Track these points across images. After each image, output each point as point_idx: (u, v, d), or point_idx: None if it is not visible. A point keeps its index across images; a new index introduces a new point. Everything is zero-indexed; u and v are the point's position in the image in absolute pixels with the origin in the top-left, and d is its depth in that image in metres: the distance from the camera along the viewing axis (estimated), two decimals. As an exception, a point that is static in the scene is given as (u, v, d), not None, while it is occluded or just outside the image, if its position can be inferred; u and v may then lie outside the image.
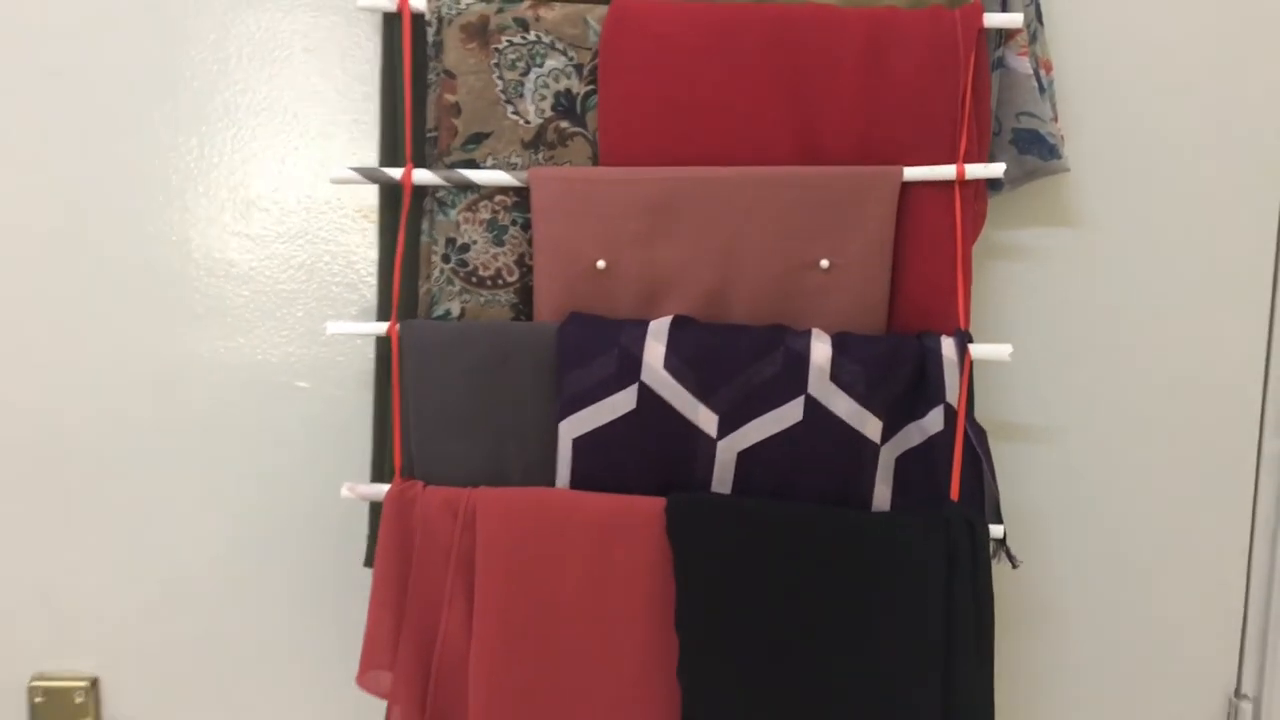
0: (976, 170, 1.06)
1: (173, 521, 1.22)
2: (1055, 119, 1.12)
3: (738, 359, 1.05)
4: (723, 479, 1.06)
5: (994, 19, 1.06)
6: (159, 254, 1.19)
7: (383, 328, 1.08)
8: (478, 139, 1.09)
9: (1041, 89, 1.11)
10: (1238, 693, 1.24)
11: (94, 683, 1.23)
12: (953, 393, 1.05)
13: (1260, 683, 1.23)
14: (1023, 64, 1.10)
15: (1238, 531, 1.23)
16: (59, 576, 1.23)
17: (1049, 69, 1.13)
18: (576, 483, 1.07)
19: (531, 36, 1.08)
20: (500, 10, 1.08)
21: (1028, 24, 1.10)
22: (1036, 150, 1.12)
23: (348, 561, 1.20)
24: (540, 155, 1.09)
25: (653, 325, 1.06)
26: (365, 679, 1.08)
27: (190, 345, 1.20)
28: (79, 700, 1.22)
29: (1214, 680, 1.24)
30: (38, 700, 1.22)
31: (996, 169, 1.07)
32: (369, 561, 1.14)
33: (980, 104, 1.08)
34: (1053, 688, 1.25)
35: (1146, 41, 1.17)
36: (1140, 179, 1.19)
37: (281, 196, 1.19)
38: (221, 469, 1.21)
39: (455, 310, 1.10)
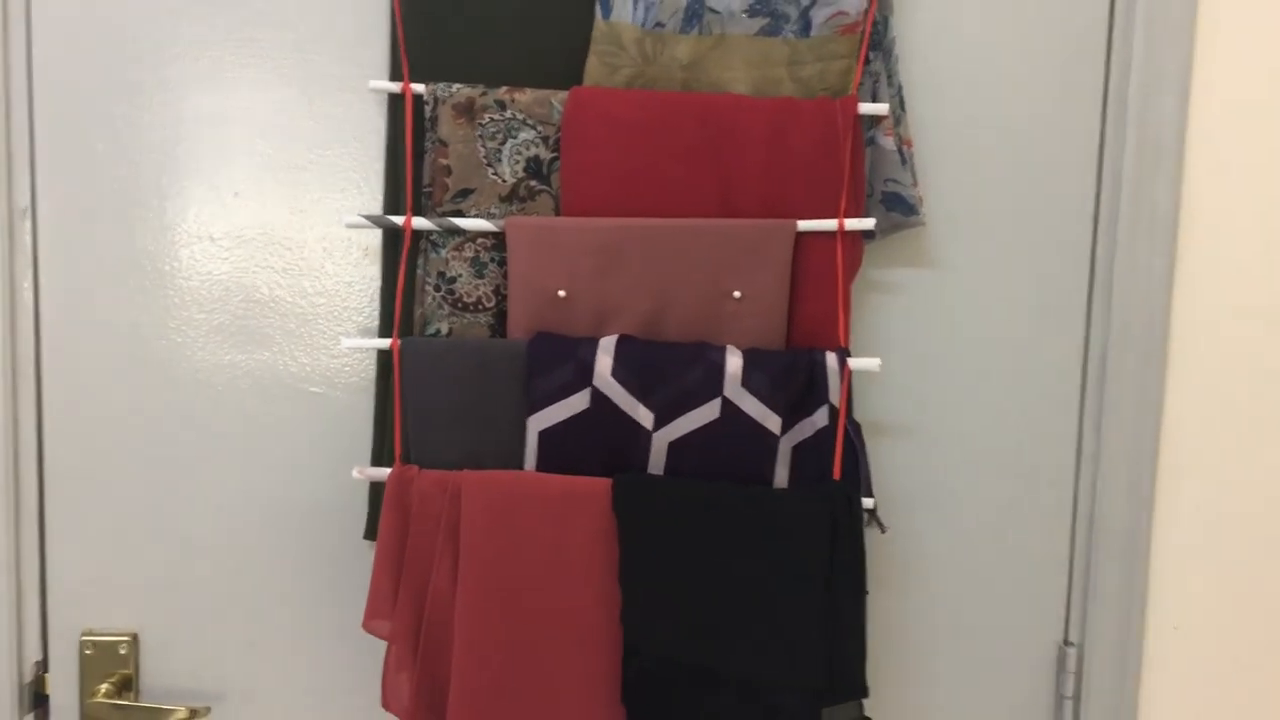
0: (854, 223, 1.14)
1: (204, 502, 1.27)
2: (915, 184, 1.19)
3: (669, 368, 1.12)
4: (657, 463, 1.14)
5: (866, 108, 1.14)
6: (202, 285, 1.25)
7: (386, 343, 1.15)
8: (464, 194, 1.16)
9: (904, 161, 1.18)
10: (1065, 641, 1.30)
11: (135, 638, 1.27)
12: (835, 395, 1.13)
13: (1083, 632, 1.29)
14: (889, 142, 1.17)
15: (1062, 508, 1.29)
16: (107, 549, 1.27)
17: (909, 145, 1.19)
18: (541, 466, 1.14)
19: (508, 114, 1.15)
20: (484, 94, 1.15)
21: (893, 111, 1.18)
22: (900, 209, 1.19)
23: (350, 534, 1.28)
24: (514, 207, 1.16)
25: (603, 342, 1.13)
26: (369, 625, 1.14)
27: (224, 357, 1.26)
28: (122, 652, 1.27)
29: (1045, 630, 1.30)
30: (87, 652, 1.27)
31: (869, 223, 1.14)
32: (368, 534, 1.23)
33: (856, 172, 1.14)
34: (908, 633, 1.30)
35: (985, 125, 1.23)
36: (980, 231, 1.25)
37: (303, 237, 1.25)
38: (246, 459, 1.26)
39: (444, 329, 1.17)
